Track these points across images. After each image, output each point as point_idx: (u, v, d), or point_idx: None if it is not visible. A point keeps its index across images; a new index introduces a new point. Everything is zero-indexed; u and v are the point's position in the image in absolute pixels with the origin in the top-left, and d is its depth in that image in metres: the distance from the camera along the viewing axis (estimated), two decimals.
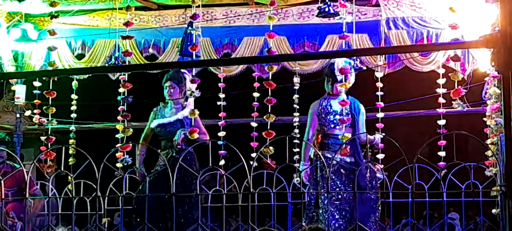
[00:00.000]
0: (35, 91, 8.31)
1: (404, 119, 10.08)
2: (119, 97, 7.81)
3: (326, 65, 8.03)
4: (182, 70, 7.56)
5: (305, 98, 8.66)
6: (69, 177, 6.32)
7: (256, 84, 8.20)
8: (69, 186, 6.44)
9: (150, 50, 9.19)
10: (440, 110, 7.69)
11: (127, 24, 7.77)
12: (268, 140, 6.59)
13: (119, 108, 7.81)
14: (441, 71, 7.80)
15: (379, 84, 7.91)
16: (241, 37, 8.98)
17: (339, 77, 7.17)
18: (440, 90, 7.67)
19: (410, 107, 9.31)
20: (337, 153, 6.83)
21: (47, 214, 6.64)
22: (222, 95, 8.24)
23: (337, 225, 6.96)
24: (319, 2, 7.32)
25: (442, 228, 8.10)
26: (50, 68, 8.25)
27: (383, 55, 8.32)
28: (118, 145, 7.53)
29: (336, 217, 6.98)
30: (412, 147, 5.94)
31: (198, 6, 7.28)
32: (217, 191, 8.14)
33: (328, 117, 7.30)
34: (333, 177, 6.99)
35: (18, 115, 9.36)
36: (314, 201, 7.15)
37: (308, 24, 8.79)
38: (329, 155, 7.02)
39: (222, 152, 7.98)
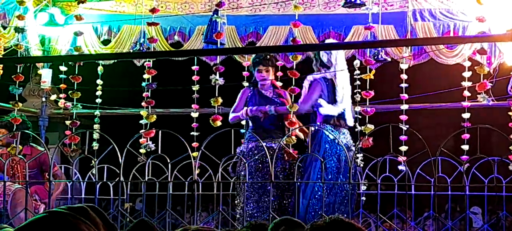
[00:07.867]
0: (61, 76, 8.39)
1: (428, 112, 10.02)
2: (143, 84, 7.87)
3: (350, 56, 8.00)
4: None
5: None
6: (93, 162, 6.37)
7: (280, 74, 8.14)
8: (93, 170, 6.49)
9: (176, 37, 9.20)
10: (465, 103, 7.64)
11: (153, 10, 7.81)
12: (290, 129, 6.57)
13: (143, 95, 7.87)
14: (467, 64, 7.75)
15: (404, 76, 7.87)
16: (266, 26, 8.95)
17: None
18: (466, 84, 7.62)
19: (434, 100, 9.23)
20: None
21: (70, 198, 6.70)
22: (245, 84, 8.23)
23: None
24: None
25: (464, 221, 8.06)
26: (76, 53, 8.32)
27: (409, 47, 8.27)
28: (142, 130, 7.59)
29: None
30: (435, 139, 5.92)
31: None
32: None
33: None
34: None
35: (43, 99, 9.43)
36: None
37: (334, 14, 8.74)
38: None
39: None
